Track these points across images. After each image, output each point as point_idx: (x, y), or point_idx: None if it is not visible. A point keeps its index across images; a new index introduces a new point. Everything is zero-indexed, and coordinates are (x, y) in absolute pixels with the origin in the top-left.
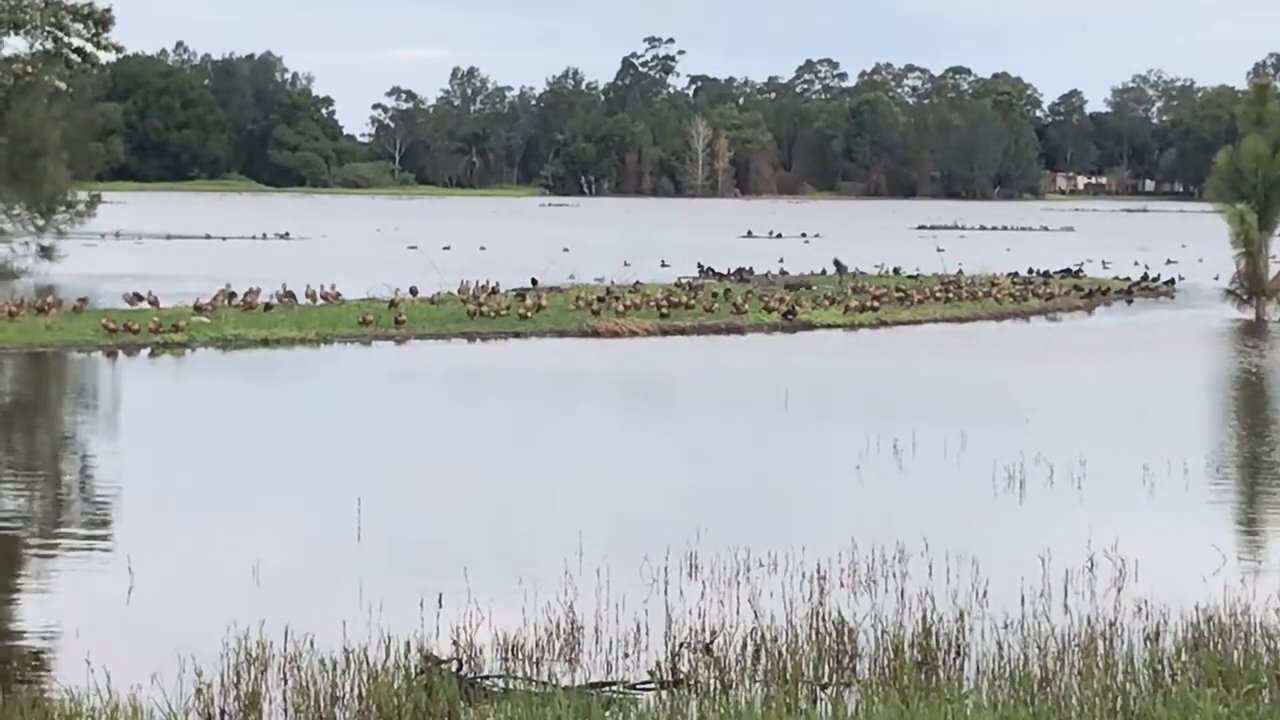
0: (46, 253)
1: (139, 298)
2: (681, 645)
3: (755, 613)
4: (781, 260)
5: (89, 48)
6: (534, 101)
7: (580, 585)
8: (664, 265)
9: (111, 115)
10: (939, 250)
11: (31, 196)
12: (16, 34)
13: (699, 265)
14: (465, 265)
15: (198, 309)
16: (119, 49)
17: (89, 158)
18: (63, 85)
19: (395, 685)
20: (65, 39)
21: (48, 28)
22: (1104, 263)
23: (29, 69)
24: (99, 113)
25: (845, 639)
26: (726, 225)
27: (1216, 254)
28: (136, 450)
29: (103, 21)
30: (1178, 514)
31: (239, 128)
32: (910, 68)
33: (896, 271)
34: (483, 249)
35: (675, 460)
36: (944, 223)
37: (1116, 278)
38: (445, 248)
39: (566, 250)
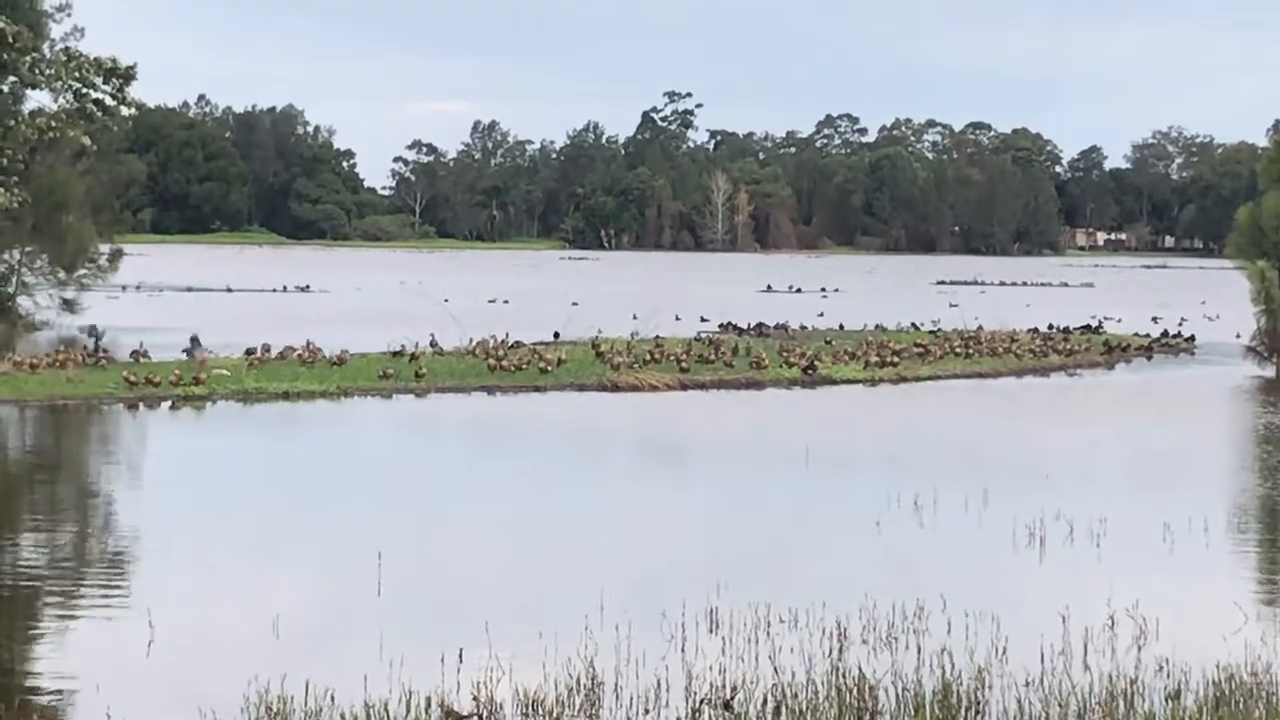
0: (68, 305)
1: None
2: (702, 701)
3: (775, 669)
4: (823, 314)
5: (111, 102)
6: (554, 155)
7: (600, 640)
8: (676, 319)
9: (134, 169)
10: (952, 305)
11: (54, 251)
12: (40, 89)
13: (701, 318)
14: (485, 319)
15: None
16: (140, 105)
17: (113, 213)
18: (87, 141)
19: None
20: (88, 94)
21: (71, 83)
22: (1104, 318)
23: (52, 124)
24: (122, 167)
25: (865, 696)
26: (746, 279)
27: (1235, 311)
28: (157, 502)
29: (126, 76)
30: (1198, 572)
31: (260, 180)
32: (930, 123)
33: (915, 327)
34: (506, 302)
35: (695, 515)
36: (963, 278)
37: (1136, 334)
38: (445, 299)
39: (576, 304)
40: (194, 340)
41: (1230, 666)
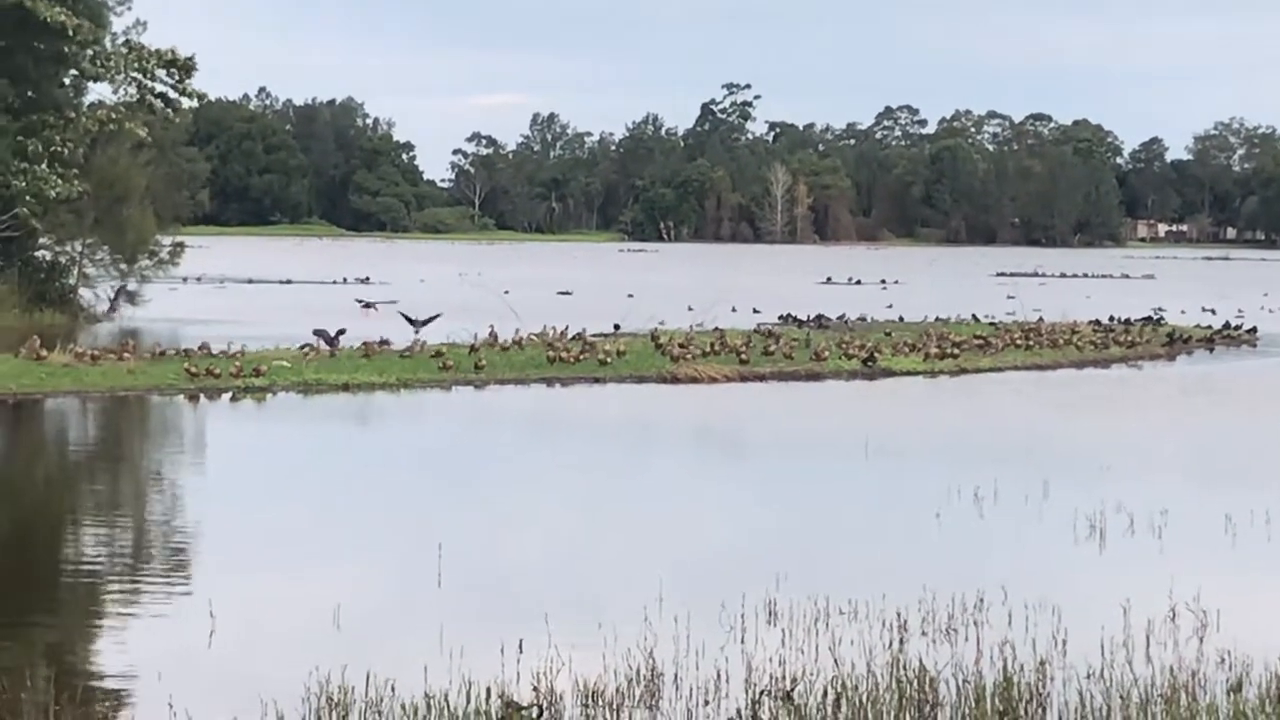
0: (130, 297)
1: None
2: (762, 693)
3: (835, 660)
4: (895, 306)
5: (172, 94)
6: (614, 147)
7: (660, 631)
8: (733, 310)
9: (195, 162)
10: (1009, 298)
11: (116, 242)
12: (101, 82)
13: (754, 310)
14: (545, 310)
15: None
16: (201, 96)
17: (174, 205)
18: (144, 133)
19: None
20: (149, 85)
21: (132, 75)
22: (1160, 310)
23: (113, 116)
24: (183, 159)
25: (926, 688)
26: (805, 271)
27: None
28: (218, 493)
29: (186, 68)
30: (1260, 564)
31: (320, 173)
32: (991, 114)
33: (975, 319)
34: (568, 294)
35: (754, 507)
36: (1024, 270)
37: (1198, 326)
38: (505, 291)
39: (631, 296)
40: (325, 336)
41: None
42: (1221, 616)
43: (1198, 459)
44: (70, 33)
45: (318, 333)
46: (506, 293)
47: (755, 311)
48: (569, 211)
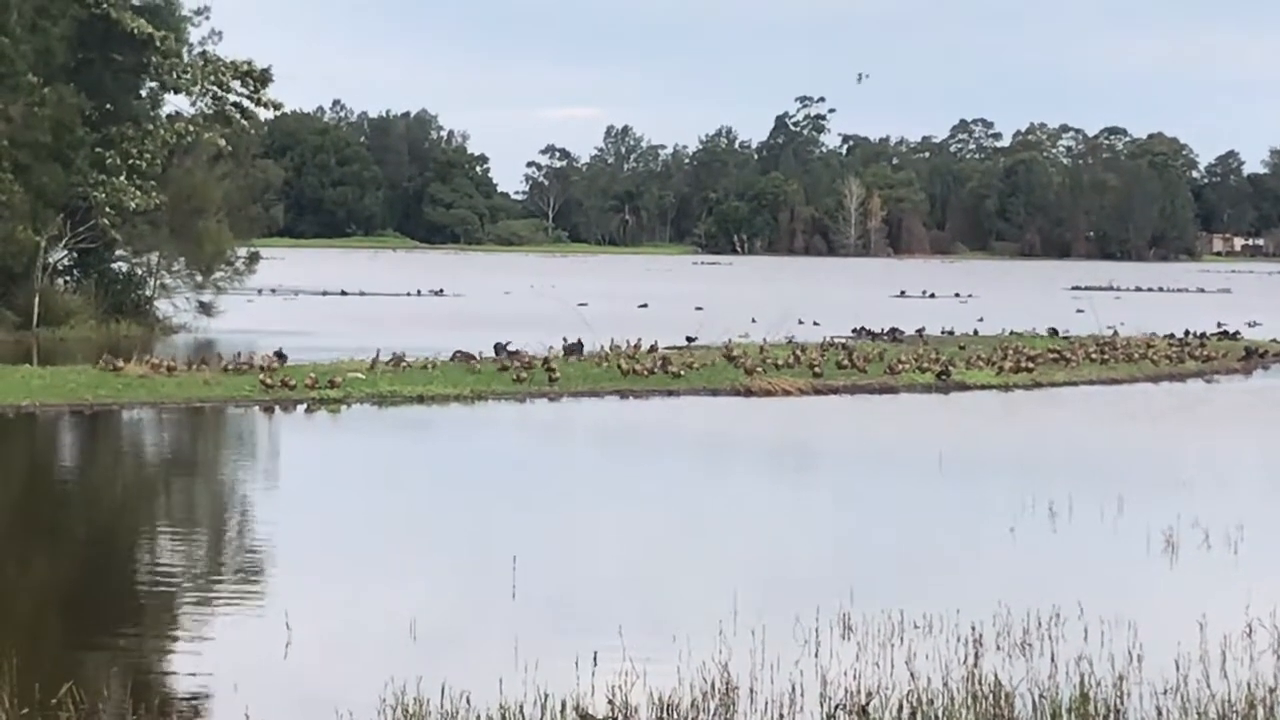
0: (205, 308)
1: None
2: (837, 707)
3: (911, 674)
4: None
5: (248, 104)
6: (687, 160)
7: (734, 645)
8: (800, 323)
9: (270, 173)
10: (1079, 311)
11: (192, 254)
12: (178, 93)
13: (814, 323)
14: (619, 322)
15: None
16: (278, 106)
17: (249, 217)
18: (223, 143)
19: None
20: (225, 97)
21: (208, 86)
22: (1256, 322)
23: (190, 127)
24: (259, 170)
25: (1002, 703)
26: (879, 284)
27: None
28: (294, 505)
29: (262, 79)
30: None
31: (394, 185)
32: (1065, 128)
33: (1053, 332)
34: (645, 306)
35: (828, 520)
36: (1098, 283)
37: (1275, 340)
38: (582, 304)
39: (700, 309)
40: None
41: None
42: None
43: (1274, 474)
44: (157, 44)
45: (498, 347)
46: (584, 305)
47: (815, 325)
48: (642, 224)
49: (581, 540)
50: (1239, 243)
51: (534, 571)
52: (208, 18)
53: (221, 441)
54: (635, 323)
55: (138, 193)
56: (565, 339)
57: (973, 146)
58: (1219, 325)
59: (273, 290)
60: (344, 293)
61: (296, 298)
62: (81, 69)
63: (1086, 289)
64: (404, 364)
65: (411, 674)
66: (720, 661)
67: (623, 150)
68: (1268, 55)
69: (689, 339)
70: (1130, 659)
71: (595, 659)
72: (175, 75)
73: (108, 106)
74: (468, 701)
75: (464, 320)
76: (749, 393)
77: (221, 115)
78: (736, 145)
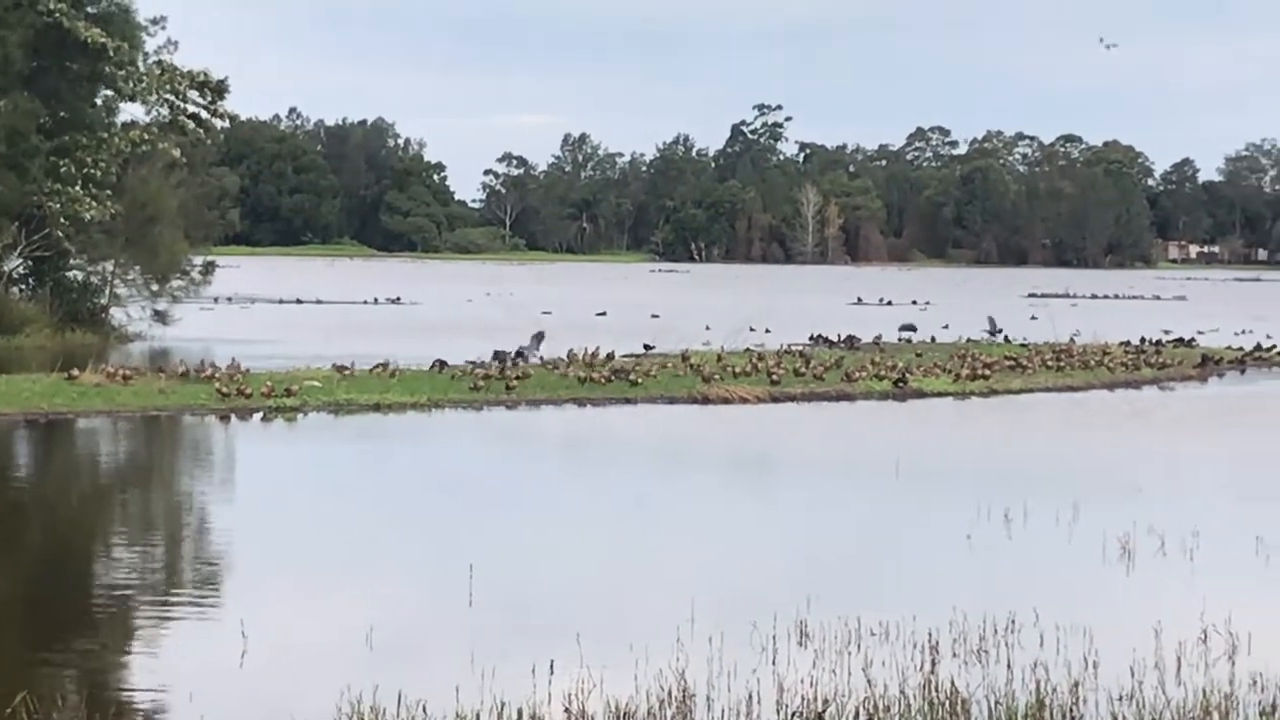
0: (160, 317)
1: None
2: (793, 715)
3: (868, 682)
4: (930, 325)
5: (204, 115)
6: (644, 168)
7: (691, 652)
8: (750, 330)
9: (227, 182)
10: (1032, 319)
11: (148, 262)
12: (134, 102)
13: (765, 329)
14: (577, 330)
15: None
16: (234, 117)
17: (205, 225)
18: (178, 153)
19: None
20: (181, 106)
21: (164, 96)
22: (1202, 331)
23: (145, 136)
24: (215, 179)
25: (958, 710)
26: (836, 291)
27: None
28: (249, 513)
29: (219, 90)
30: None
31: (351, 193)
32: (1021, 135)
33: (1008, 339)
34: (604, 314)
35: (785, 528)
36: (1055, 290)
37: (1230, 347)
38: (546, 312)
39: (656, 316)
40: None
41: None
42: (1253, 639)
43: (1229, 480)
44: (110, 53)
45: (498, 354)
46: (548, 313)
47: (767, 332)
48: (600, 232)
49: (539, 548)
50: (1194, 250)
51: (491, 580)
52: (164, 27)
53: (178, 450)
54: (594, 331)
55: (93, 204)
56: (520, 347)
57: (929, 154)
58: (1165, 332)
59: (229, 298)
60: (299, 300)
61: (253, 306)
62: (36, 77)
63: (1043, 296)
64: (393, 372)
65: (368, 682)
66: (677, 669)
67: (580, 158)
68: (1223, 63)
69: (646, 346)
70: (1086, 665)
71: (552, 667)
72: (131, 84)
73: (62, 115)
74: (424, 710)
75: (424, 328)
76: (706, 400)
77: (176, 125)
78: (694, 153)
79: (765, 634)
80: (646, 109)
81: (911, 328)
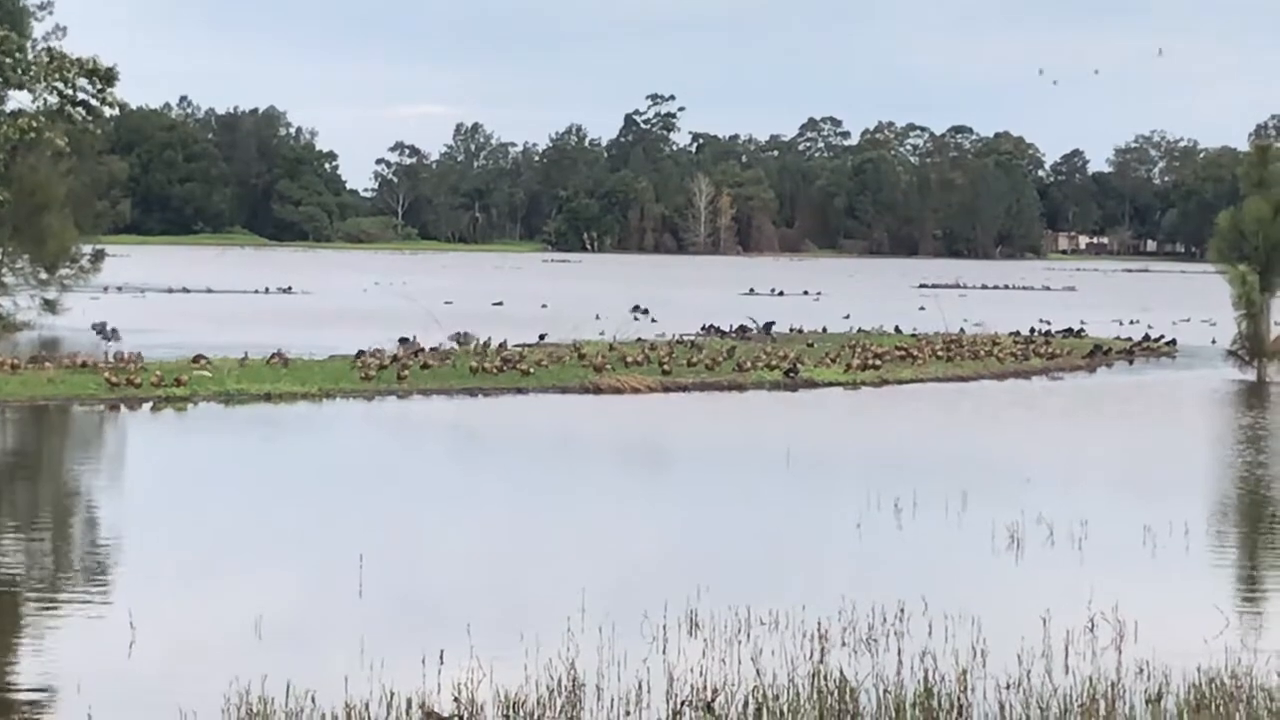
0: (50, 306)
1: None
2: (683, 703)
3: (757, 671)
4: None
5: (93, 103)
6: (537, 158)
7: (582, 642)
8: (635, 319)
9: (117, 170)
10: (920, 309)
11: (36, 251)
12: (21, 90)
13: (651, 318)
14: (469, 321)
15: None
16: (123, 105)
17: (94, 213)
18: (63, 142)
19: None
20: (70, 94)
21: (52, 83)
22: (1084, 323)
23: (33, 124)
24: (104, 168)
25: (847, 698)
26: (728, 282)
27: (1215, 315)
28: (138, 504)
29: (108, 77)
30: (1179, 574)
31: (242, 182)
32: (912, 126)
33: (897, 330)
34: (500, 304)
35: (676, 518)
36: (945, 281)
37: (1118, 338)
38: (448, 302)
39: (545, 306)
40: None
41: (1211, 670)
42: (1140, 627)
43: (1117, 470)
44: None
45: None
46: (450, 303)
47: (653, 321)
48: (492, 222)
49: (429, 539)
50: (1084, 241)
51: (381, 570)
52: (51, 12)
53: (65, 440)
54: (487, 320)
55: None
56: (414, 336)
57: (821, 145)
58: (1045, 322)
59: (119, 288)
60: (187, 290)
61: (143, 295)
62: None
63: (934, 286)
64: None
65: (256, 673)
66: (567, 659)
67: (473, 148)
68: (1111, 54)
69: (541, 336)
70: (974, 654)
71: (442, 657)
72: (18, 71)
73: None
74: (313, 700)
75: (315, 317)
76: (598, 390)
77: (63, 113)
78: (587, 143)
79: (655, 624)
80: (540, 99)
81: (762, 323)
